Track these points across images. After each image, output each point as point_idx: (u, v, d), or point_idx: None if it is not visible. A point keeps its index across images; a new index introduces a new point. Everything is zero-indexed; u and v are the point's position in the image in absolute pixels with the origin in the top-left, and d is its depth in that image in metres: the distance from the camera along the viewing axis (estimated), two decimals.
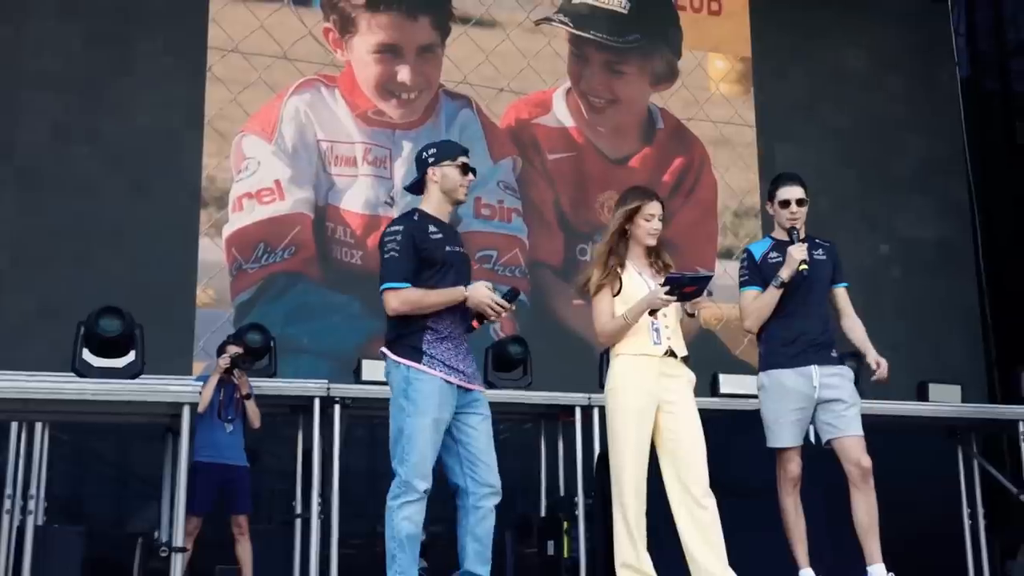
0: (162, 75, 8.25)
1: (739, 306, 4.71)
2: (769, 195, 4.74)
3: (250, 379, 5.94)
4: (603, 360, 6.59)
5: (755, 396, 6.78)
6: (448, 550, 4.67)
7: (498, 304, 3.86)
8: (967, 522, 7.29)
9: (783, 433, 4.49)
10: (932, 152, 10.35)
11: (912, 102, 10.46)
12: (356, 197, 8.55)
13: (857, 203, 9.89)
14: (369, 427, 7.61)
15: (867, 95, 10.26)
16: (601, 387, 6.40)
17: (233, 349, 5.91)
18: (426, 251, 3.92)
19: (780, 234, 4.68)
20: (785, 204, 4.61)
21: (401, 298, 3.88)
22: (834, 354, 4.57)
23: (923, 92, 10.55)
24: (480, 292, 3.88)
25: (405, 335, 3.93)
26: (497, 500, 3.98)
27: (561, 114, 9.34)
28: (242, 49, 8.53)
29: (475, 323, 3.93)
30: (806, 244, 4.55)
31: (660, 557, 4.07)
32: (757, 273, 4.60)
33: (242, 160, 8.34)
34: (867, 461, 4.37)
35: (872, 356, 4.54)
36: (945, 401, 7.25)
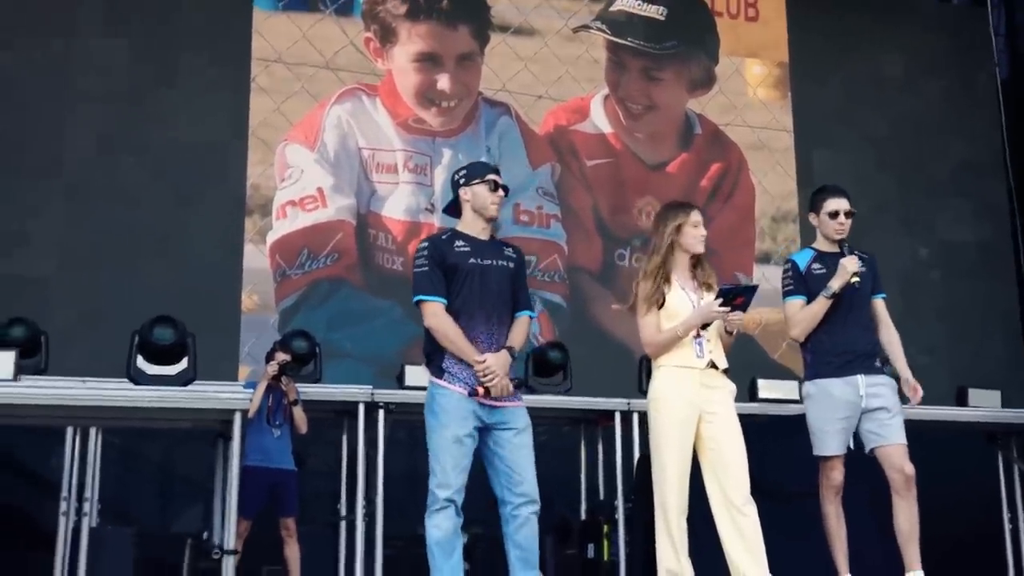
0: (207, 86, 8.42)
1: (785, 315, 4.73)
2: (812, 206, 4.79)
3: (296, 385, 6.07)
4: (642, 366, 6.68)
5: (794, 401, 6.88)
6: (492, 550, 4.79)
7: (504, 387, 4.05)
8: (1007, 527, 7.29)
9: (829, 441, 4.54)
10: (971, 155, 10.33)
11: (950, 105, 10.45)
12: (397, 204, 8.67)
13: (895, 207, 9.90)
14: (409, 429, 7.72)
15: (904, 99, 10.26)
16: (640, 392, 6.54)
17: (281, 356, 6.05)
18: (450, 263, 4.14)
19: (822, 245, 4.74)
20: (834, 215, 4.67)
21: (433, 316, 4.12)
22: (878, 364, 4.63)
23: (961, 95, 10.54)
24: (487, 365, 4.03)
25: (432, 354, 4.16)
26: (534, 509, 4.11)
27: (599, 120, 9.42)
28: (285, 59, 8.68)
29: (480, 390, 4.03)
30: (856, 256, 4.62)
31: (701, 563, 4.16)
32: (802, 283, 4.66)
33: (286, 168, 8.49)
34: (910, 468, 4.44)
35: (910, 382, 4.61)
36: (985, 406, 7.24)
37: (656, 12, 9.69)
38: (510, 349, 4.15)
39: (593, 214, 9.22)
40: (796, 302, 4.66)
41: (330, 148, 8.61)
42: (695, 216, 4.39)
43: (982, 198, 10.32)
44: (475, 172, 4.29)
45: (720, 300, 4.16)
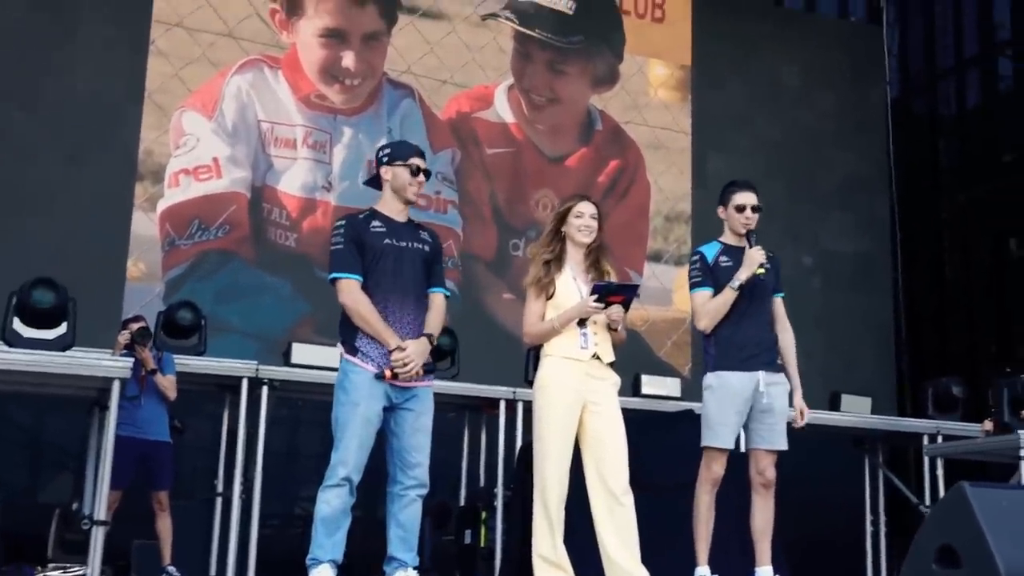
0: (105, 44, 8.17)
1: (692, 306, 4.74)
2: (722, 200, 4.79)
3: (178, 356, 5.97)
4: (529, 356, 6.74)
5: (675, 398, 7.04)
6: (366, 537, 4.79)
7: (416, 371, 4.09)
8: (869, 530, 7.58)
9: (723, 433, 4.56)
10: (858, 169, 10.63)
11: (842, 119, 10.72)
12: (294, 180, 8.56)
13: (782, 215, 10.07)
14: (294, 408, 7.66)
15: (799, 110, 10.50)
16: (526, 382, 6.61)
17: (133, 325, 5.94)
18: (365, 242, 4.17)
19: (729, 239, 4.76)
20: (741, 209, 4.69)
21: (349, 294, 4.13)
22: (779, 361, 4.69)
23: (853, 110, 10.82)
24: (407, 354, 4.06)
25: (347, 332, 4.17)
26: (422, 492, 4.18)
27: (502, 109, 9.44)
28: (187, 24, 8.48)
29: (388, 372, 4.07)
30: (762, 248, 4.66)
31: (575, 550, 4.22)
32: (710, 275, 4.67)
33: (181, 136, 8.30)
34: (773, 473, 4.56)
35: (797, 402, 4.69)
36: (855, 412, 7.51)
37: (564, 6, 9.75)
38: (429, 336, 4.19)
39: (490, 202, 9.25)
40: (704, 293, 4.66)
41: (228, 118, 8.45)
42: (581, 206, 4.43)
43: (866, 212, 10.64)
44: (399, 153, 4.32)
45: (595, 296, 4.21)
